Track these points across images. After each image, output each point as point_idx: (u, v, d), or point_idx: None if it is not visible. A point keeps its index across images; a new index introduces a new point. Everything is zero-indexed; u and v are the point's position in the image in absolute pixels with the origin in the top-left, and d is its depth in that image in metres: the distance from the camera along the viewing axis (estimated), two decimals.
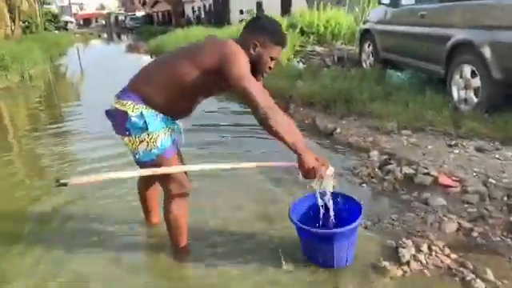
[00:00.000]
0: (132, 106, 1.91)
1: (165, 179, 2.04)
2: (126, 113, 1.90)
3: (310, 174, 1.83)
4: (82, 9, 71.98)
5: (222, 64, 1.82)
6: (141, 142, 1.94)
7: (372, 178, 3.19)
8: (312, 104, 5.17)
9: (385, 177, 3.13)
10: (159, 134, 1.94)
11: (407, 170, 3.11)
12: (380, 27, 5.76)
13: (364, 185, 3.11)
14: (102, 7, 75.09)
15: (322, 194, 2.02)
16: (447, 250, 2.15)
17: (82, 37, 35.79)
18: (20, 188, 3.40)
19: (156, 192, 2.44)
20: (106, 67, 12.89)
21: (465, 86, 3.98)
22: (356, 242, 2.09)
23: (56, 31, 31.19)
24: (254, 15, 13.70)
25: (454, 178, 2.87)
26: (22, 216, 2.88)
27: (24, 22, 24.15)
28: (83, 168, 3.75)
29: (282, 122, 1.80)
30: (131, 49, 22.29)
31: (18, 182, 3.55)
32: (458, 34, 3.99)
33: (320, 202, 2.05)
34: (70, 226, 2.70)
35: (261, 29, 1.96)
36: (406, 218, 2.54)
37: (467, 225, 2.36)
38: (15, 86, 9.49)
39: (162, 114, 1.96)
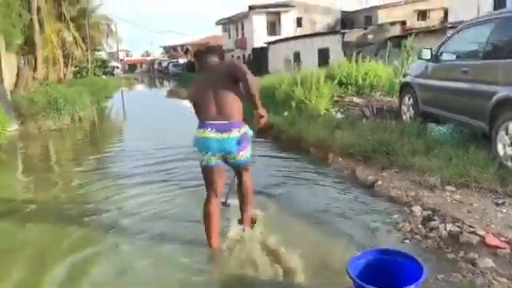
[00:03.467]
0: (242, 130, 2.90)
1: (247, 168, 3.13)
2: (245, 133, 2.91)
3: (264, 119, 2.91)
4: (128, 55, 76.30)
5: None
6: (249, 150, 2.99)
7: (415, 234, 3.13)
8: (351, 154, 5.19)
9: (428, 234, 3.07)
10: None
11: (452, 227, 3.04)
12: (420, 81, 5.81)
13: (407, 241, 3.06)
14: (147, 54, 79.27)
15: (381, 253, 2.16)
16: None
17: (127, 81, 37.72)
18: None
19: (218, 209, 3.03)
20: (146, 114, 13.48)
21: (511, 143, 3.91)
22: None
23: (104, 76, 33.14)
24: (292, 65, 14.03)
25: (502, 239, 2.78)
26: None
27: (76, 67, 25.93)
28: None
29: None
30: (172, 94, 23.23)
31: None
32: (503, 91, 3.97)
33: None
34: None
35: None
36: (452, 278, 2.47)
37: None
38: (66, 128, 10.08)
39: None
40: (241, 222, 3.22)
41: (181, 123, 9.77)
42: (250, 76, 2.77)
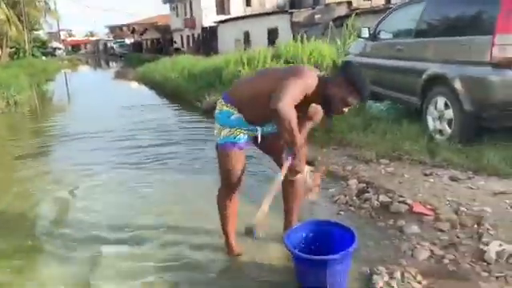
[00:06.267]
0: (220, 104, 2.39)
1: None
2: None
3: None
4: (70, 35, 72.41)
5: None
6: (217, 129, 2.40)
7: (350, 205, 3.28)
8: None
9: (362, 205, 3.22)
10: (225, 128, 2.35)
11: (384, 198, 3.20)
12: (360, 59, 5.98)
13: (342, 212, 3.19)
14: (92, 34, 75.68)
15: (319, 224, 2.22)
16: (419, 277, 2.22)
17: (70, 63, 35.89)
18: None
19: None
20: (93, 94, 12.97)
21: (439, 117, 4.15)
22: (348, 269, 2.15)
23: (44, 57, 31.31)
24: (242, 45, 13.88)
25: (428, 207, 2.97)
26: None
27: (12, 48, 24.27)
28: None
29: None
30: (119, 75, 22.44)
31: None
32: (432, 68, 4.19)
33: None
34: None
35: (349, 76, 2.16)
36: (381, 245, 2.62)
37: (439, 252, 2.45)
38: (0, 113, 9.44)
39: (238, 115, 2.31)
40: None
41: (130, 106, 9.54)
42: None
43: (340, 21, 12.58)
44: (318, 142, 4.79)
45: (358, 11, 11.19)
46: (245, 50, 11.16)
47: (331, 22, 11.05)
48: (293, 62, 8.67)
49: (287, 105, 2.03)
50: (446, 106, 4.03)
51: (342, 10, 18.28)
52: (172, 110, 9.56)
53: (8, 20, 20.40)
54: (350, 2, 19.68)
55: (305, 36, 9.44)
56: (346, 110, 2.22)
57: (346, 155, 4.32)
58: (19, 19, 23.07)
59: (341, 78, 2.16)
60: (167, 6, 36.55)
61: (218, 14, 28.34)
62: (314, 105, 2.29)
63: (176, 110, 9.37)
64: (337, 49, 8.37)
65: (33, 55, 27.17)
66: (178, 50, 29.56)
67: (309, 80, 2.14)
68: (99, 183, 4.24)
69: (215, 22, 26.76)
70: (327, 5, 20.14)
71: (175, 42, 35.22)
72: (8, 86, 10.76)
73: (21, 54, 25.21)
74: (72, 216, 3.44)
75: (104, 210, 3.51)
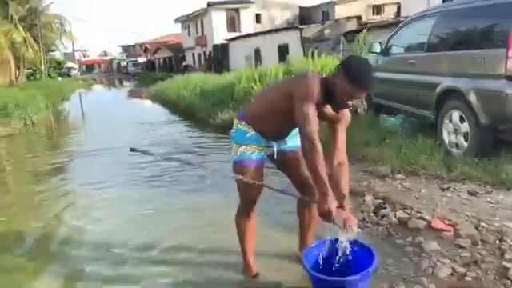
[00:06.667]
0: (235, 122, 2.43)
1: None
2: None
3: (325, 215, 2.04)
4: (85, 55, 74.01)
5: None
6: (234, 148, 2.41)
7: (367, 222, 3.24)
8: None
9: (379, 221, 3.18)
10: (241, 146, 2.36)
11: (401, 214, 3.17)
12: None
13: (359, 230, 3.15)
14: (105, 53, 77.23)
15: (336, 242, 2.13)
16: None
17: (85, 82, 36.59)
18: None
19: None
20: (107, 113, 13.18)
21: (455, 130, 4.11)
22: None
23: (59, 78, 31.99)
24: (253, 62, 13.83)
25: (447, 222, 2.93)
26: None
27: (29, 69, 24.89)
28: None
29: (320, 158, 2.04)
30: (133, 94, 22.76)
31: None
32: (446, 82, 4.17)
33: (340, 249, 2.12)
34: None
35: (346, 67, 2.08)
36: (400, 263, 2.58)
37: (461, 269, 2.40)
38: (18, 133, 9.65)
39: (253, 132, 2.34)
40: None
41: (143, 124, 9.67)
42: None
43: (350, 36, 12.65)
44: (331, 156, 4.76)
45: (368, 26, 11.21)
46: (256, 66, 11.23)
47: (342, 37, 11.09)
48: None
49: (312, 132, 2.04)
50: (462, 119, 4.00)
51: (352, 25, 18.38)
52: (184, 126, 9.67)
53: (25, 42, 20.99)
54: (360, 17, 19.78)
55: (315, 51, 9.50)
56: (351, 103, 2.13)
57: (360, 170, 4.29)
58: (36, 41, 23.71)
59: (341, 71, 2.08)
60: (179, 25, 37.20)
61: (228, 31, 28.71)
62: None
63: (188, 127, 9.47)
64: None
65: (49, 76, 27.78)
66: (187, 68, 30.03)
67: (314, 86, 2.08)
68: (111, 197, 4.33)
69: (226, 40, 27.11)
70: (337, 20, 20.26)
71: (185, 60, 35.79)
72: (25, 107, 11.00)
73: (37, 75, 25.81)
74: (84, 232, 3.49)
75: (118, 226, 3.56)
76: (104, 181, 4.94)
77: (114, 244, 3.17)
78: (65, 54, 46.09)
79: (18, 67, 21.83)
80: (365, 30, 8.60)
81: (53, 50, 32.98)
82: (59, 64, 36.81)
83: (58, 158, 6.67)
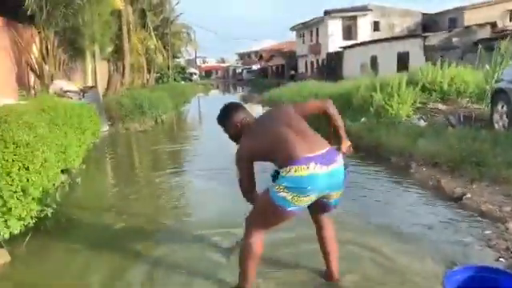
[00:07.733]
0: (341, 160, 2.36)
1: None
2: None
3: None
4: (204, 62, 79.40)
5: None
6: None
7: (511, 252, 2.87)
8: (436, 164, 4.90)
9: None
10: (289, 192, 2.20)
11: None
12: None
13: (502, 259, 2.81)
14: (223, 60, 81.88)
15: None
16: None
17: (204, 87, 39.26)
18: None
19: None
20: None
21: None
22: None
23: (182, 81, 34.86)
24: (369, 70, 13.41)
25: None
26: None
27: (157, 73, 27.60)
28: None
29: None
30: (245, 99, 23.74)
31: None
32: None
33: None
34: None
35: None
36: None
37: None
38: (150, 129, 10.79)
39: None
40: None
41: None
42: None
43: (484, 44, 11.49)
44: (466, 175, 4.36)
45: (508, 33, 10.05)
46: (375, 74, 10.84)
47: (480, 45, 10.12)
48: (431, 89, 8.14)
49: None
50: None
51: (485, 33, 16.71)
52: None
53: (156, 49, 23.33)
54: (495, 24, 17.89)
55: (439, 60, 8.81)
56: None
57: (502, 194, 3.83)
58: (165, 48, 26.20)
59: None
60: (294, 33, 37.82)
61: (344, 39, 28.30)
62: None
63: None
64: (484, 75, 7.60)
65: (174, 80, 30.45)
66: (293, 77, 30.30)
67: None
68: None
69: (341, 48, 26.74)
70: (467, 27, 18.60)
71: (296, 68, 36.23)
72: (156, 107, 12.21)
73: (164, 79, 28.48)
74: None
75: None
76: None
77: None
78: (187, 60, 50.18)
79: (149, 71, 24.35)
80: (508, 38, 7.71)
81: (178, 57, 36.08)
82: (183, 69, 40.14)
83: (180, 145, 7.26)
